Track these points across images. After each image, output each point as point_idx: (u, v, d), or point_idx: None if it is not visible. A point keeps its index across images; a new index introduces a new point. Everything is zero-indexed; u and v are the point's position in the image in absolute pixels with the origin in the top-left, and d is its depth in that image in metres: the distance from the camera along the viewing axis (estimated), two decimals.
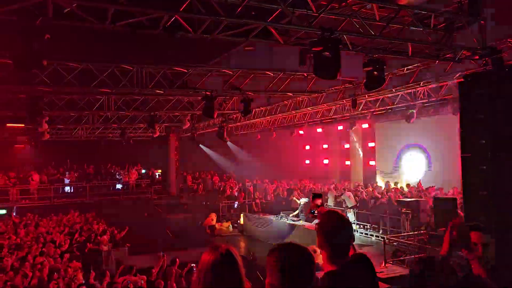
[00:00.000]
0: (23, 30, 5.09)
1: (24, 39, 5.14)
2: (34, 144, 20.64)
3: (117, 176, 24.04)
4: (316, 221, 2.72)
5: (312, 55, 6.31)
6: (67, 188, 22.18)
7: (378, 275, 10.99)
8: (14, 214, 19.60)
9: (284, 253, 1.92)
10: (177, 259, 11.81)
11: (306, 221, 15.64)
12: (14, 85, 10.01)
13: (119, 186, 23.32)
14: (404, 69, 12.00)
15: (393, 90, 13.26)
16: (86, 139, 22.02)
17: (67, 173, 23.15)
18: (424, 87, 13.11)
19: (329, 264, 2.44)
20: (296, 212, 16.66)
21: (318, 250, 2.56)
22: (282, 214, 17.23)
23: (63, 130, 19.92)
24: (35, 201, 21.10)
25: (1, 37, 6.70)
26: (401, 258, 12.18)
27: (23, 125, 13.53)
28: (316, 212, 3.31)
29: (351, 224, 2.57)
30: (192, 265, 11.77)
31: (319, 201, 3.34)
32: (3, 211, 19.94)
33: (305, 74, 11.99)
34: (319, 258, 2.53)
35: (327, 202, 17.85)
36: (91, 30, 6.22)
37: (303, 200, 17.42)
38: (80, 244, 15.15)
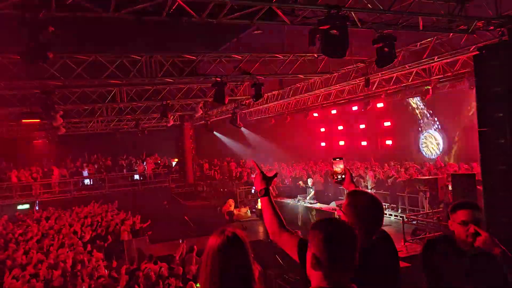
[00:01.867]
0: (27, 23, 5.10)
1: (29, 32, 5.16)
2: (51, 138, 21.00)
3: (134, 167, 24.32)
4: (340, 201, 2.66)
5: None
6: (86, 181, 22.55)
7: (398, 254, 11.00)
8: (36, 208, 20.06)
9: (327, 226, 1.90)
10: (195, 246, 11.94)
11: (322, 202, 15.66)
12: (25, 80, 10.12)
13: (137, 176, 23.59)
14: (417, 45, 11.70)
15: (407, 67, 12.96)
16: (101, 131, 22.28)
17: (85, 165, 23.51)
18: (439, 62, 12.78)
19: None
20: (311, 194, 16.59)
21: None
22: (299, 197, 17.22)
23: (78, 124, 20.18)
24: (56, 194, 21.55)
25: (8, 32, 6.76)
26: (421, 236, 12.08)
27: (38, 120, 13.70)
28: (342, 176, 3.10)
29: (382, 205, 2.52)
30: None
31: (341, 165, 3.11)
32: (27, 206, 20.43)
33: (316, 55, 11.81)
34: None
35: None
36: (98, 21, 6.21)
37: (309, 180, 17.44)
38: (102, 235, 15.43)
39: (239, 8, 5.97)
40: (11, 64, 9.38)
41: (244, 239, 2.03)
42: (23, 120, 14.16)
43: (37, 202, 20.70)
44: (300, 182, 18.67)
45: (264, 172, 2.71)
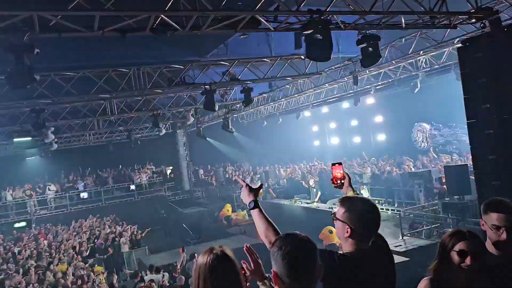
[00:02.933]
0: (12, 47, 5.11)
1: (14, 56, 5.17)
2: (44, 155, 20.89)
3: (129, 178, 24.25)
4: (336, 205, 2.64)
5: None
6: (82, 195, 22.44)
7: (396, 248, 11.03)
8: (33, 225, 19.94)
9: (285, 242, 1.91)
10: (196, 254, 11.96)
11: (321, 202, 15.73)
12: (15, 101, 10.10)
13: (132, 187, 23.53)
14: (402, 40, 11.83)
15: (394, 62, 13.10)
16: (94, 144, 22.21)
17: (79, 179, 23.41)
18: (425, 55, 12.92)
19: (351, 247, 2.43)
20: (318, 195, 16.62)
21: (334, 230, 2.54)
22: (295, 198, 17.29)
23: (70, 138, 20.11)
24: (53, 210, 21.44)
25: None
26: (418, 229, 12.16)
27: (30, 138, 13.66)
28: (341, 181, 3.09)
29: (379, 211, 2.50)
30: None
31: (340, 170, 3.11)
32: (23, 224, 20.29)
33: (303, 57, 11.88)
34: (335, 239, 2.55)
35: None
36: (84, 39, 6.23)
37: (311, 181, 17.52)
38: (101, 248, 15.40)
39: (222, 18, 6.02)
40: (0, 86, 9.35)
41: (232, 257, 2.09)
42: (15, 139, 14.07)
43: (33, 219, 20.57)
44: (303, 182, 18.74)
45: (250, 185, 2.73)
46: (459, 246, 2.50)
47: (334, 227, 2.60)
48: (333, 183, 3.14)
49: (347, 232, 2.38)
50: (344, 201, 2.51)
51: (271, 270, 1.92)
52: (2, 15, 4.81)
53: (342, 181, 3.09)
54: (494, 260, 2.59)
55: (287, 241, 1.92)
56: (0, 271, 12.58)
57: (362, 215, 2.40)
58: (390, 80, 15.50)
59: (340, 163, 3.16)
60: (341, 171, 3.10)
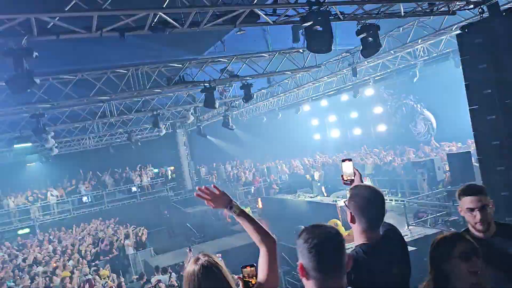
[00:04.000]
0: (11, 51, 5.07)
1: (14, 60, 5.12)
2: (45, 160, 20.83)
3: (131, 180, 24.21)
4: (346, 195, 2.60)
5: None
6: (84, 199, 22.41)
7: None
8: (37, 231, 19.92)
9: (312, 234, 1.86)
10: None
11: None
12: (14, 107, 10.06)
13: (134, 189, 23.49)
14: (400, 29, 11.79)
15: (392, 52, 13.06)
16: (94, 147, 22.16)
17: (81, 183, 23.37)
18: (423, 44, 12.88)
19: (362, 237, 2.45)
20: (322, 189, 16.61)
21: (340, 223, 2.55)
22: (299, 193, 17.27)
23: (70, 142, 20.05)
24: (56, 215, 21.41)
25: None
26: (423, 218, 12.17)
27: (30, 143, 13.62)
28: (352, 178, 3.08)
29: (383, 197, 2.53)
30: (218, 255, 11.93)
31: (351, 166, 3.10)
32: (27, 230, 20.27)
33: (301, 50, 11.83)
34: (341, 231, 2.53)
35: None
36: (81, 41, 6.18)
37: (316, 174, 17.51)
38: (106, 251, 15.38)
39: (220, 14, 5.97)
40: None
41: (218, 264, 2.13)
42: (15, 145, 14.04)
43: (37, 225, 20.54)
44: (307, 175, 18.73)
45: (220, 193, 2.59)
46: (459, 250, 2.33)
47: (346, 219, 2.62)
48: (343, 179, 3.12)
49: (350, 218, 2.45)
50: (352, 189, 2.58)
51: (297, 263, 1.87)
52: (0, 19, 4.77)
53: (353, 178, 3.09)
54: (479, 242, 2.54)
55: (314, 233, 1.86)
56: (7, 278, 12.56)
57: (364, 201, 2.43)
58: (388, 71, 15.47)
59: (350, 159, 3.15)
60: (352, 167, 3.09)
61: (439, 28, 10.86)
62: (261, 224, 2.46)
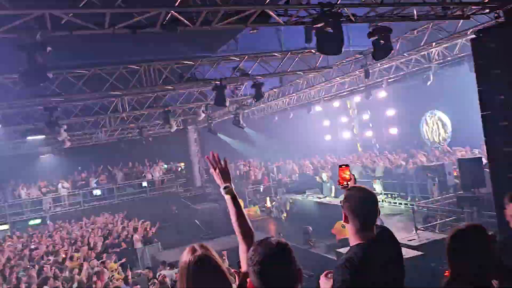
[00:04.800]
0: (25, 46, 5.17)
1: (27, 55, 5.22)
2: (57, 152, 21.14)
3: (141, 174, 24.43)
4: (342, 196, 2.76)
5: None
6: (95, 192, 22.68)
7: (410, 242, 10.93)
8: (48, 222, 20.23)
9: (255, 251, 1.91)
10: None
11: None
12: (28, 99, 10.23)
13: (144, 183, 23.70)
14: (414, 32, 11.67)
15: (405, 54, 12.95)
16: (106, 141, 22.40)
17: (93, 176, 23.66)
18: (437, 47, 12.76)
19: (356, 237, 2.54)
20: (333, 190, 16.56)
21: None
22: (308, 193, 17.25)
23: (82, 136, 20.30)
24: (67, 207, 21.71)
25: (7, 53, 6.83)
26: (432, 223, 12.05)
27: (43, 136, 13.82)
28: (347, 184, 3.24)
29: (376, 198, 2.65)
30: (223, 252, 11.98)
31: (347, 172, 3.26)
32: (38, 221, 20.60)
33: (313, 51, 11.79)
34: (348, 233, 2.63)
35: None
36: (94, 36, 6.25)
37: (324, 176, 17.45)
38: (114, 244, 15.56)
39: (232, 13, 5.99)
40: (13, 84, 9.47)
41: (214, 257, 2.11)
42: (28, 137, 14.28)
43: (48, 216, 20.86)
44: (317, 177, 18.71)
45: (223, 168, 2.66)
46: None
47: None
48: (339, 184, 3.31)
49: (346, 218, 2.57)
50: (346, 191, 2.75)
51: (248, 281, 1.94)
52: (14, 14, 4.86)
53: (349, 183, 3.26)
54: None
55: (257, 250, 1.90)
56: (17, 267, 12.78)
57: (357, 202, 2.57)
58: (402, 73, 15.34)
59: (347, 165, 3.34)
60: (349, 173, 3.27)
61: (454, 31, 10.74)
62: (245, 215, 2.51)
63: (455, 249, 2.41)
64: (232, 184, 2.60)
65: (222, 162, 2.65)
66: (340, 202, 2.67)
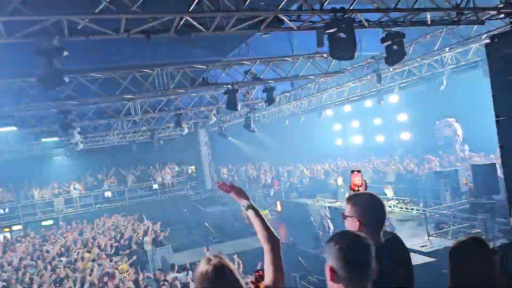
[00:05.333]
0: (43, 51, 5.27)
1: (45, 59, 5.32)
2: (70, 154, 21.40)
3: (152, 177, 24.59)
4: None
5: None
6: (106, 194, 22.89)
7: (422, 249, 10.84)
8: (60, 223, 20.46)
9: (342, 237, 1.98)
10: (222, 252, 12.05)
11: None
12: (44, 102, 10.39)
13: (155, 186, 23.85)
14: (427, 37, 11.60)
15: (418, 59, 12.88)
16: (118, 144, 22.61)
17: (104, 178, 23.88)
18: (451, 52, 12.66)
19: None
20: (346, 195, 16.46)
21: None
22: (318, 197, 17.20)
23: (95, 138, 20.52)
24: (78, 209, 21.94)
25: (24, 57, 6.97)
26: (444, 230, 11.93)
27: (57, 138, 14.01)
28: (358, 189, 3.24)
29: (383, 203, 2.65)
30: (234, 256, 12.01)
31: (359, 178, 3.27)
32: (51, 222, 20.84)
33: (325, 55, 11.79)
34: None
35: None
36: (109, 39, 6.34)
37: (340, 180, 17.36)
38: (125, 246, 15.67)
39: (245, 18, 6.03)
40: (29, 87, 9.64)
41: (230, 267, 2.15)
42: (43, 139, 14.49)
43: (60, 217, 21.10)
44: (332, 181, 18.65)
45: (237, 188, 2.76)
46: None
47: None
48: (351, 189, 3.30)
49: (357, 226, 2.51)
50: (350, 198, 2.68)
51: (326, 266, 1.94)
52: (33, 20, 4.96)
53: (360, 188, 3.26)
54: None
55: (344, 236, 1.99)
56: (29, 267, 12.96)
57: (367, 207, 2.56)
58: (414, 78, 15.24)
59: (359, 171, 3.35)
60: (360, 178, 3.28)
61: (468, 36, 10.65)
62: (270, 227, 2.54)
63: (456, 261, 2.44)
64: (250, 201, 2.68)
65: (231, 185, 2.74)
66: (346, 207, 2.66)
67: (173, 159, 26.06)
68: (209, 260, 2.15)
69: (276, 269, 2.37)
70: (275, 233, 2.52)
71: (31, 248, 15.75)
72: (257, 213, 2.60)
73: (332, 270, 1.90)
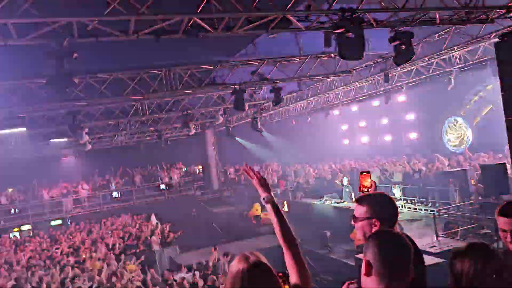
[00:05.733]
0: (53, 52, 5.31)
1: (55, 61, 5.37)
2: (79, 155, 21.56)
3: (159, 177, 24.69)
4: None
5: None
6: (114, 194, 23.01)
7: (431, 249, 10.76)
8: (68, 223, 20.61)
9: (384, 234, 2.00)
10: (229, 252, 12.09)
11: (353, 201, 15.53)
12: (53, 103, 10.47)
13: (163, 186, 23.93)
14: (435, 36, 11.53)
15: (426, 58, 12.79)
16: (126, 144, 22.73)
17: (112, 179, 24.01)
18: (459, 51, 12.56)
19: None
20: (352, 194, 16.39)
21: None
22: (325, 197, 17.15)
23: (103, 139, 20.64)
24: (86, 209, 22.09)
25: (34, 58, 7.03)
26: (453, 230, 11.84)
27: (66, 138, 14.12)
28: (367, 191, 3.25)
29: (392, 198, 2.64)
30: None
31: (368, 179, 3.28)
32: (59, 221, 21.00)
33: (333, 55, 11.76)
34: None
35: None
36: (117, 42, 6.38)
37: (345, 180, 17.28)
38: (133, 246, 15.73)
39: (253, 19, 6.04)
40: (38, 88, 9.72)
41: (268, 265, 2.02)
42: (52, 140, 14.61)
43: (68, 217, 21.25)
44: (337, 181, 18.60)
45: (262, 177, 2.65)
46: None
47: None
48: (360, 191, 3.30)
49: (375, 226, 2.48)
50: (363, 199, 2.63)
51: (362, 259, 1.93)
52: (43, 22, 5.00)
53: (369, 190, 3.27)
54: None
55: (386, 233, 2.00)
56: (38, 267, 13.05)
57: (384, 206, 2.55)
58: (422, 77, 15.15)
59: (368, 172, 3.37)
60: (369, 180, 3.30)
61: (477, 35, 10.56)
62: (288, 224, 2.48)
63: (455, 271, 2.38)
64: (271, 194, 2.57)
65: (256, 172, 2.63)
66: (358, 209, 2.62)
67: (180, 160, 26.14)
68: (245, 257, 1.99)
69: (299, 268, 2.30)
70: (292, 232, 2.45)
71: (40, 247, 15.87)
72: (276, 209, 2.50)
73: (368, 264, 1.89)
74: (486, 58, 12.93)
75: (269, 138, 25.81)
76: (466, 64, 13.60)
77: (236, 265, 1.99)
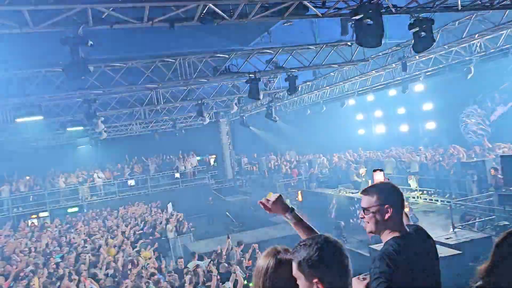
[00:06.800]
0: (68, 40, 5.29)
1: (70, 48, 5.35)
2: (94, 143, 21.79)
3: (174, 166, 24.82)
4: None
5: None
6: (129, 182, 23.24)
7: (447, 241, 10.61)
8: (85, 210, 20.93)
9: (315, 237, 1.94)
10: (243, 241, 12.12)
11: None
12: (69, 91, 10.53)
13: (177, 175, 24.07)
14: (455, 23, 11.22)
15: (446, 47, 12.47)
16: (140, 133, 22.88)
17: (127, 167, 24.22)
18: (480, 38, 12.21)
19: (391, 230, 2.50)
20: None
21: None
22: (340, 188, 17.01)
23: (118, 127, 20.80)
24: (102, 197, 22.37)
25: (49, 47, 7.04)
26: (470, 222, 11.65)
27: (81, 127, 14.24)
28: None
29: (399, 188, 2.62)
30: (255, 245, 12.03)
31: (381, 176, 3.26)
32: (76, 209, 21.33)
33: (349, 43, 11.56)
34: None
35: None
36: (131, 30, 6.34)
37: (362, 170, 17.12)
38: (148, 233, 15.88)
39: (269, 6, 5.92)
40: (54, 77, 9.77)
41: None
42: (68, 128, 14.75)
43: (85, 205, 21.56)
44: (354, 175, 18.43)
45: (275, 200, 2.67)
46: None
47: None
48: None
49: (388, 212, 2.45)
50: (369, 189, 2.59)
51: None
52: (58, 9, 4.98)
53: None
54: None
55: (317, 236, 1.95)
56: (55, 253, 13.28)
57: (392, 192, 2.54)
58: (441, 66, 14.80)
59: (381, 170, 3.29)
60: (383, 177, 3.19)
61: (499, 22, 10.23)
62: (310, 227, 2.50)
63: (503, 256, 2.18)
64: (290, 209, 2.60)
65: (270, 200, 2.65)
66: (366, 200, 2.54)
67: (195, 148, 26.22)
68: (274, 252, 1.99)
69: None
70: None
71: (57, 234, 16.14)
72: (298, 224, 2.53)
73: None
74: (508, 46, 12.57)
75: (283, 127, 25.67)
76: (487, 52, 13.22)
77: (264, 259, 1.98)
